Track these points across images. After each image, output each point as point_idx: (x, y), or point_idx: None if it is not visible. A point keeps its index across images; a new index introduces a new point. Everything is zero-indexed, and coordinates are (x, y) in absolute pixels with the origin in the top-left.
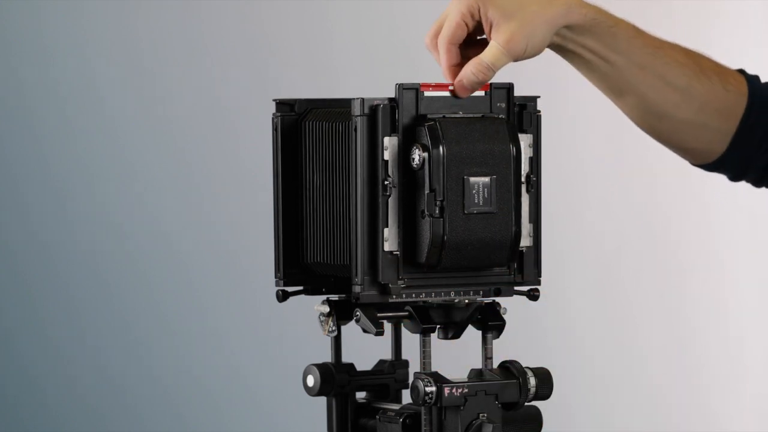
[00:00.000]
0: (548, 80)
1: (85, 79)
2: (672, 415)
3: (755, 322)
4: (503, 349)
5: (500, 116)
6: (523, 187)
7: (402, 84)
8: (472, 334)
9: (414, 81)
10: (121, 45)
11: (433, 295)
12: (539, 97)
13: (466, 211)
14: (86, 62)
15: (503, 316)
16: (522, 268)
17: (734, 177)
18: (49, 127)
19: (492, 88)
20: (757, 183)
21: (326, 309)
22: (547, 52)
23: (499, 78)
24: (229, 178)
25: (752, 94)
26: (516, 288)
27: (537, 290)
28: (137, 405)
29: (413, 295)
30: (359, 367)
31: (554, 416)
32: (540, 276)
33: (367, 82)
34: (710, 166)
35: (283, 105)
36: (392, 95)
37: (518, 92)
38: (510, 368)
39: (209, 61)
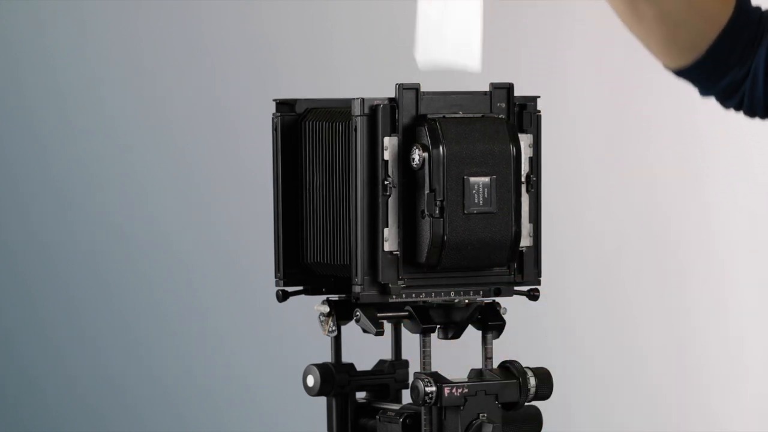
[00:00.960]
0: (548, 80)
1: (85, 79)
2: (672, 415)
3: (755, 322)
4: (503, 349)
5: (500, 116)
6: (523, 187)
7: (402, 84)
8: (472, 334)
9: (414, 81)
10: (121, 45)
11: (433, 295)
12: (539, 97)
13: (466, 211)
14: (86, 62)
15: (503, 316)
16: (522, 268)
17: (703, 90)
18: (49, 127)
19: (492, 88)
20: (725, 101)
21: (326, 309)
22: (546, 52)
23: (499, 78)
24: (229, 178)
25: (739, 8)
26: (516, 288)
27: (537, 290)
28: (137, 405)
29: (413, 295)
30: (359, 367)
31: (554, 416)
32: (540, 276)
33: (367, 82)
34: (682, 72)
35: (283, 105)
36: (392, 95)
37: (518, 92)
38: (510, 368)
39: (209, 61)
